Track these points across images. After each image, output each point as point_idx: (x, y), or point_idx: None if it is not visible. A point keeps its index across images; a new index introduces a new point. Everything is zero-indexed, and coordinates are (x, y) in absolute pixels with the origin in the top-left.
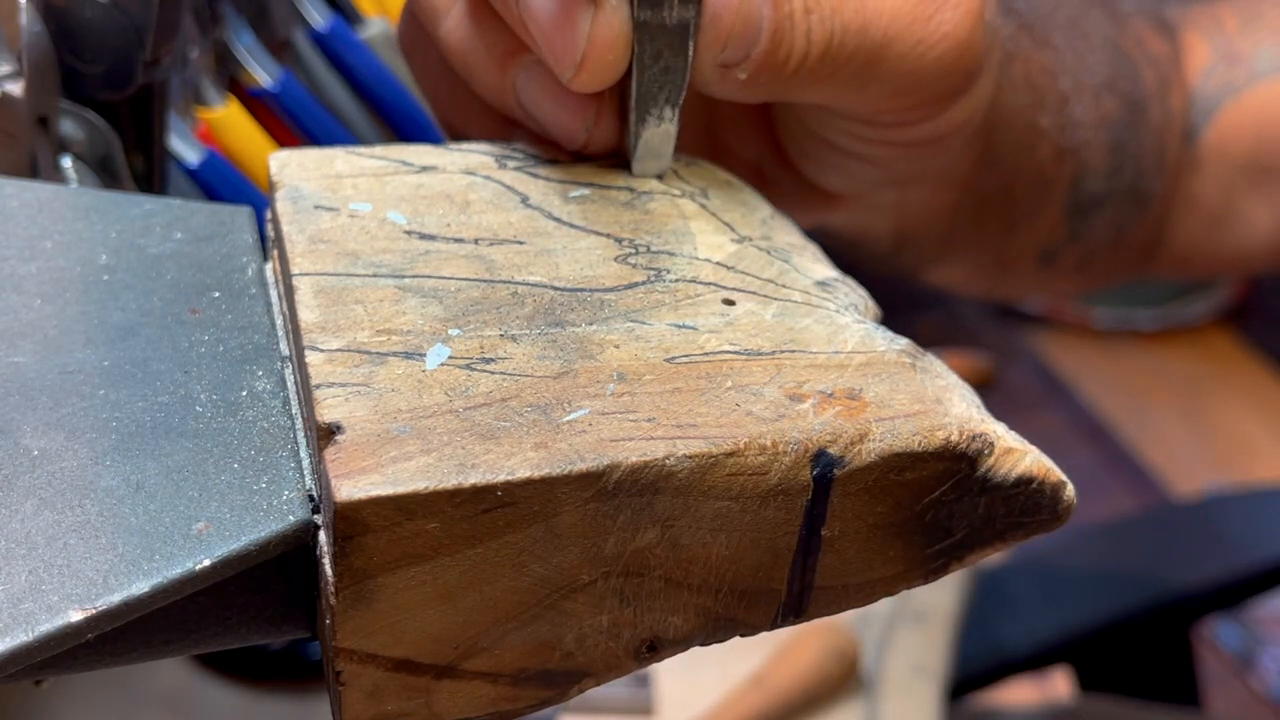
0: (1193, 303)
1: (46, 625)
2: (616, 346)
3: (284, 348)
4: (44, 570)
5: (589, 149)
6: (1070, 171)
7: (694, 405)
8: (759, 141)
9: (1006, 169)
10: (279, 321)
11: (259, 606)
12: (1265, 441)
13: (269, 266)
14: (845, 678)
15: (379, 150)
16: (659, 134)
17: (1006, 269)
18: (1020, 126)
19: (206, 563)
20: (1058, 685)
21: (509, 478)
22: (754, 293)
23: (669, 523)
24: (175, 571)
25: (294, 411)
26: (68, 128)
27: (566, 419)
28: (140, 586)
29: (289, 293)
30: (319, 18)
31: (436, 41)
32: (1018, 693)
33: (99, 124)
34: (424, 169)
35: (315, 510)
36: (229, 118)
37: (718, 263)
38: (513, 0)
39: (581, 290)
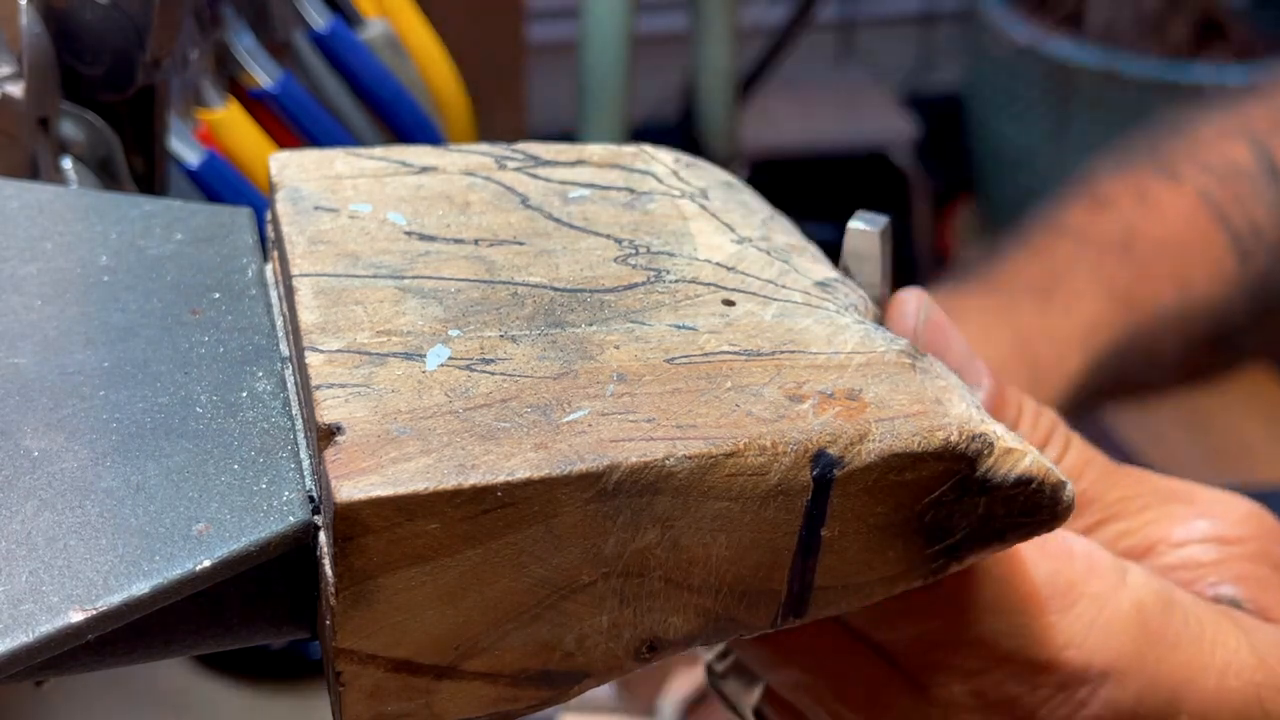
0: None
1: (47, 626)
2: (616, 347)
3: (284, 349)
4: (44, 571)
5: None
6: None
7: (694, 406)
8: None
9: None
10: (279, 322)
11: (259, 607)
12: (1265, 442)
13: (269, 267)
14: None
15: (379, 151)
16: None
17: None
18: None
19: (207, 563)
20: None
21: (509, 478)
22: (754, 293)
23: (669, 523)
24: (175, 572)
25: (294, 412)
26: (68, 129)
27: (566, 419)
28: (140, 587)
29: (289, 294)
30: (319, 19)
31: None
32: None
33: (99, 125)
34: (424, 170)
35: (315, 511)
36: (229, 119)
37: (718, 263)
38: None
39: (581, 291)
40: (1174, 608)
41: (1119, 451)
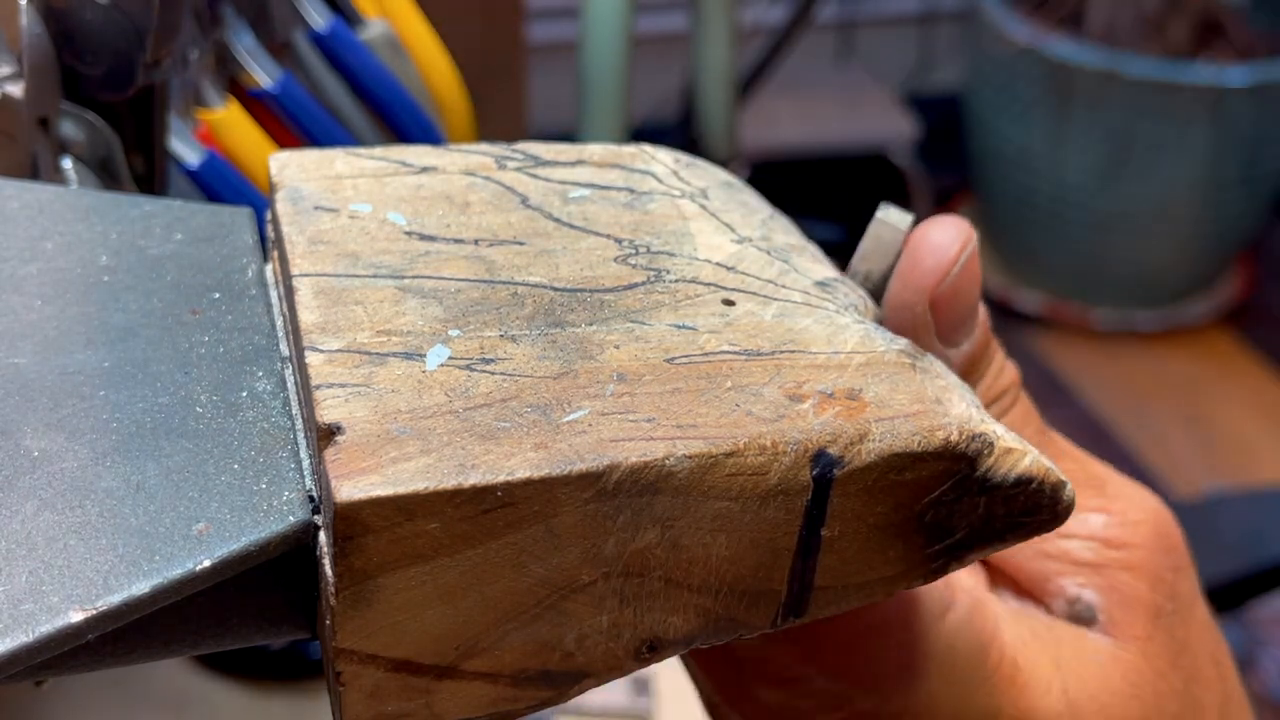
0: (1193, 304)
1: (47, 626)
2: (616, 347)
3: (284, 348)
4: (44, 571)
5: None
6: None
7: (694, 405)
8: None
9: None
10: (279, 322)
11: (259, 607)
12: (1265, 442)
13: (269, 267)
14: None
15: (379, 151)
16: None
17: None
18: None
19: (207, 563)
20: None
21: (509, 478)
22: (754, 293)
23: (669, 523)
24: (175, 572)
25: (294, 412)
26: (68, 129)
27: (566, 419)
28: (141, 587)
29: (289, 294)
30: (319, 19)
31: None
32: None
33: (99, 125)
34: (424, 170)
35: (315, 511)
36: (229, 119)
37: (717, 263)
38: None
39: (581, 291)
40: (989, 650)
41: (1118, 452)
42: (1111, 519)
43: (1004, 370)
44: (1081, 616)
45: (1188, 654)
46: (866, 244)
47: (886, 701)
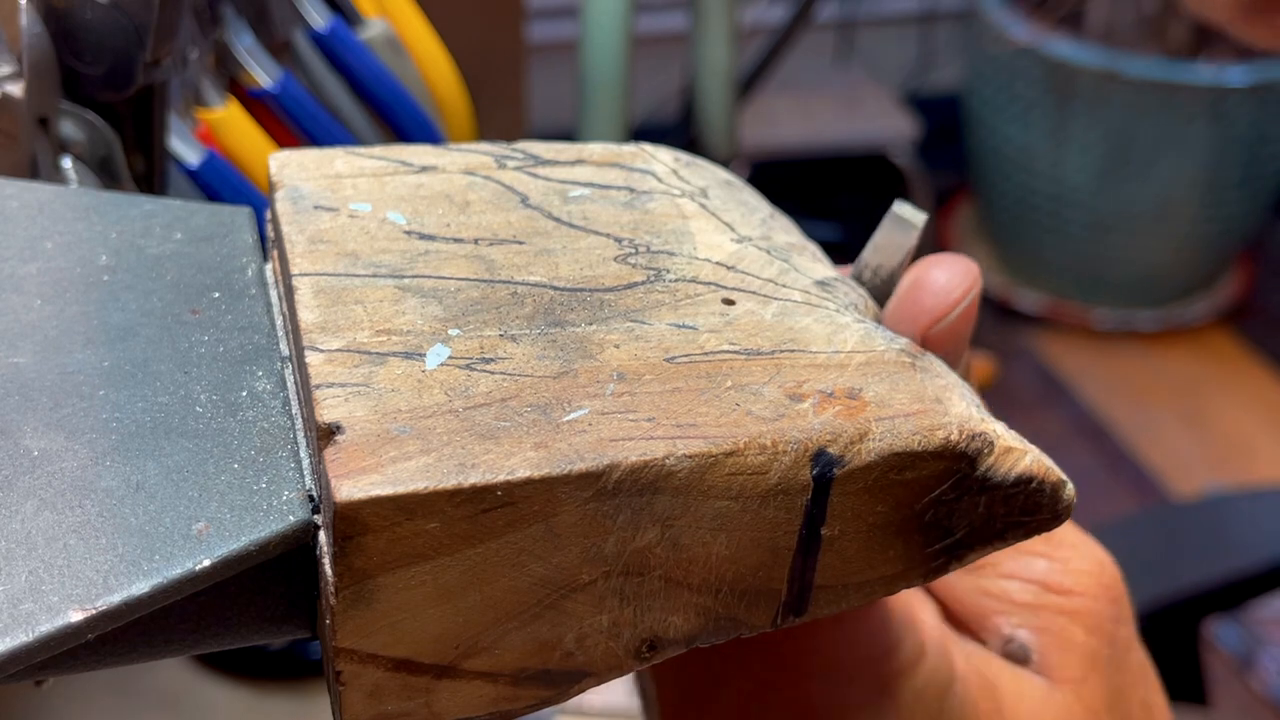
0: (1193, 303)
1: (46, 626)
2: (616, 346)
3: (284, 348)
4: (44, 570)
5: None
6: None
7: (694, 405)
8: None
9: None
10: (279, 322)
11: (259, 606)
12: (1265, 441)
13: (269, 267)
14: None
15: (379, 150)
16: None
17: None
18: None
19: (206, 563)
20: None
21: (509, 478)
22: (754, 292)
23: (669, 522)
24: (175, 572)
25: (294, 412)
26: (68, 128)
27: (566, 419)
28: (140, 587)
29: (289, 293)
30: (319, 19)
31: None
32: None
33: (99, 125)
34: (424, 169)
35: (315, 510)
36: (229, 118)
37: (717, 262)
38: None
39: (581, 290)
40: (950, 691)
41: (1118, 451)
42: (1054, 565)
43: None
44: (1015, 655)
45: (1121, 700)
46: (880, 237)
47: None
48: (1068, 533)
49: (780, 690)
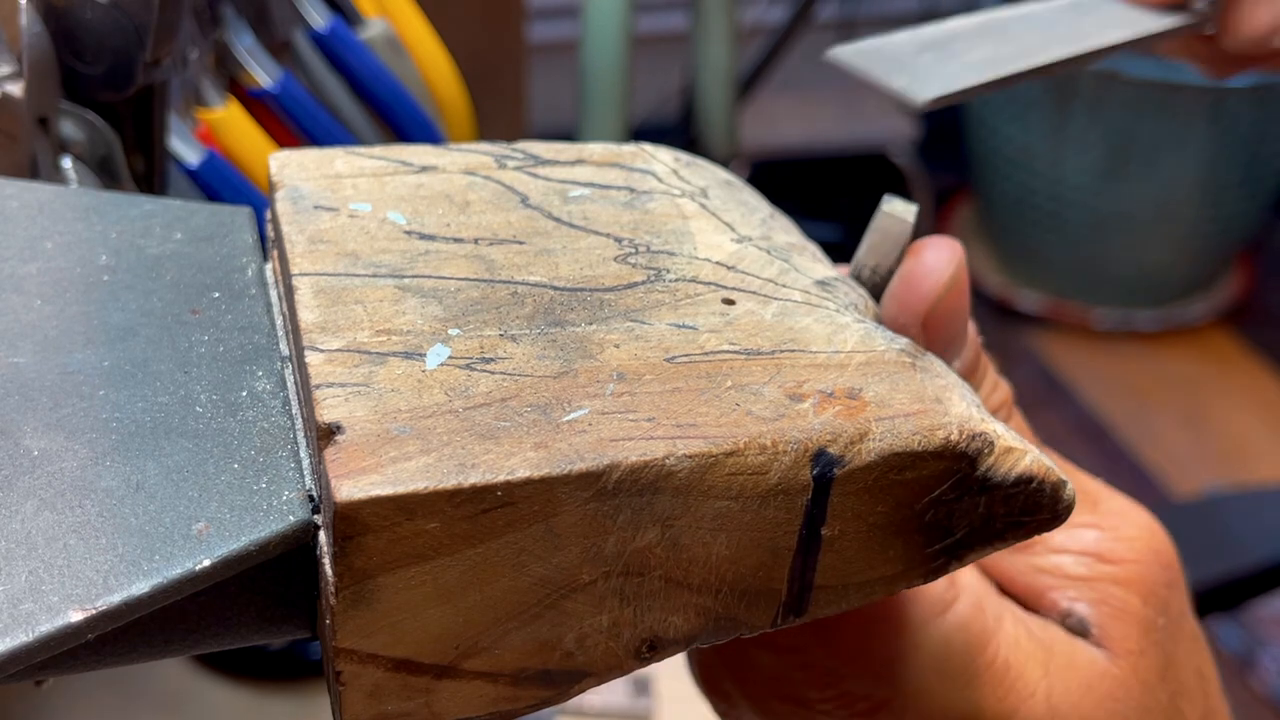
0: (1193, 303)
1: (46, 625)
2: (616, 346)
3: (284, 348)
4: (44, 570)
5: None
6: None
7: (694, 405)
8: None
9: None
10: (279, 322)
11: (259, 606)
12: (1265, 441)
13: (269, 267)
14: None
15: (379, 150)
16: None
17: None
18: None
19: (206, 563)
20: None
21: (509, 478)
22: (754, 292)
23: (669, 522)
24: (175, 572)
25: (294, 412)
26: (68, 128)
27: (566, 419)
28: (140, 587)
29: (289, 293)
30: (319, 18)
31: None
32: None
33: (99, 125)
34: (424, 169)
35: (315, 510)
36: (229, 118)
37: (717, 262)
38: None
39: (581, 290)
40: (985, 648)
41: (1118, 451)
42: (1104, 534)
43: (997, 387)
44: (1074, 630)
45: (1175, 667)
46: (872, 237)
47: (876, 687)
48: (1114, 500)
49: (806, 639)
